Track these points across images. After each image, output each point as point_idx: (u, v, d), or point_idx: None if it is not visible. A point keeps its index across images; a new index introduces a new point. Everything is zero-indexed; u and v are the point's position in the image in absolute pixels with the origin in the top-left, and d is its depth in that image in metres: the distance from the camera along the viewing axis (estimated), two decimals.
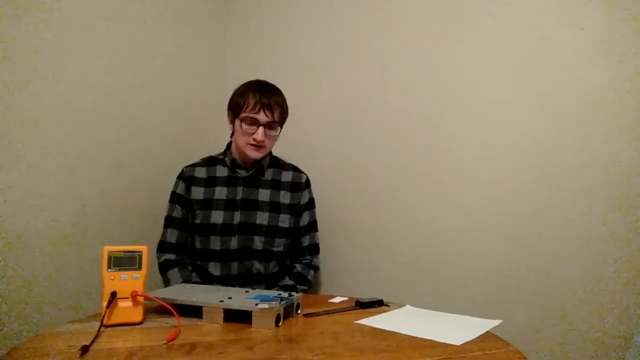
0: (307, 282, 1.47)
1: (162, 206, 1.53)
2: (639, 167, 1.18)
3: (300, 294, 1.09)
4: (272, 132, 1.41)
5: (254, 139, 1.37)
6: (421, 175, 1.50)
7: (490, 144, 1.39)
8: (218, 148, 1.60)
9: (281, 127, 1.46)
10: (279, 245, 1.44)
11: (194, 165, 1.49)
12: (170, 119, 1.72)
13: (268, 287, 1.42)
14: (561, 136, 1.28)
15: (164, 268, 1.42)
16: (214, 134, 1.79)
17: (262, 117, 1.37)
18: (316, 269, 1.53)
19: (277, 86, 1.49)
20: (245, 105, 1.38)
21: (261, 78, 1.52)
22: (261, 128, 1.37)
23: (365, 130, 1.62)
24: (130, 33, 1.55)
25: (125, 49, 1.53)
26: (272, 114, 1.38)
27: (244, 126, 1.38)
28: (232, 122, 1.45)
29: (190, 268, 1.43)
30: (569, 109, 1.27)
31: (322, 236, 1.61)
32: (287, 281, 1.43)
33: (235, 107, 1.42)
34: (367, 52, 1.63)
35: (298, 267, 1.48)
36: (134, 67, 1.56)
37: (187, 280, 1.38)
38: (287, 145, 1.72)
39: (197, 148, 1.76)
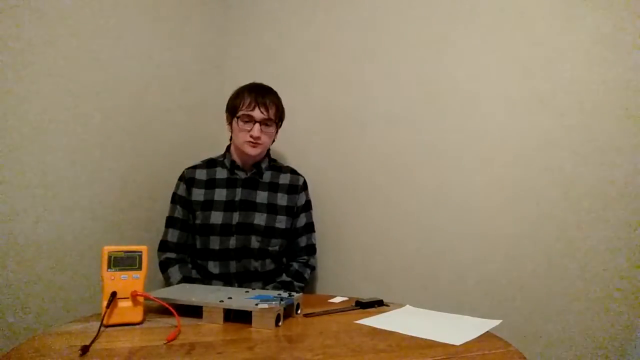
0: (304, 280, 1.49)
1: (162, 206, 1.53)
2: None
3: (301, 294, 1.09)
4: (268, 129, 1.47)
5: (251, 136, 1.43)
6: (421, 176, 1.50)
7: (489, 144, 1.38)
8: (218, 148, 1.60)
9: (277, 126, 1.52)
10: (275, 245, 1.47)
11: (194, 167, 1.53)
12: (171, 120, 1.72)
13: (265, 284, 1.45)
14: (562, 137, 1.28)
15: (164, 266, 1.44)
16: (214, 135, 1.79)
17: (258, 114, 1.43)
18: (313, 268, 1.55)
19: (277, 86, 1.54)
20: (242, 104, 1.45)
21: (261, 79, 1.56)
22: (257, 125, 1.43)
23: (364, 131, 1.62)
24: (130, 34, 1.55)
25: (125, 50, 1.53)
26: (267, 111, 1.44)
27: (241, 124, 1.44)
28: (230, 123, 1.50)
29: (190, 266, 1.45)
30: (571, 108, 1.27)
31: (322, 236, 1.62)
32: (284, 278, 1.46)
33: (232, 108, 1.48)
34: (366, 53, 1.63)
35: (295, 265, 1.50)
36: (133, 69, 1.56)
37: (187, 276, 1.40)
38: (286, 146, 1.73)
39: (197, 148, 1.77)
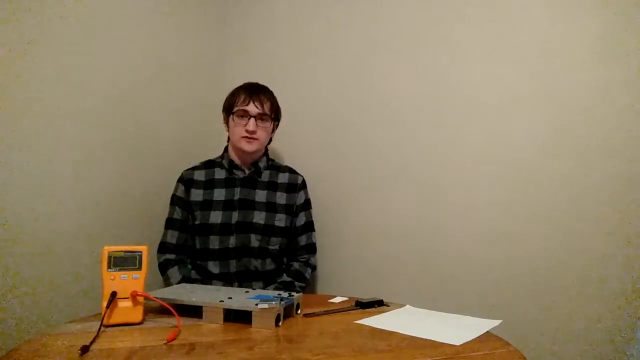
0: (305, 279, 1.49)
1: (162, 206, 1.53)
2: None
3: (301, 294, 1.09)
4: (264, 125, 1.48)
5: (246, 130, 1.44)
6: (421, 176, 1.50)
7: (489, 145, 1.39)
8: (217, 148, 1.60)
9: (274, 122, 1.53)
10: (275, 243, 1.46)
11: (193, 168, 1.53)
12: (170, 120, 1.72)
13: (266, 284, 1.44)
14: (561, 137, 1.28)
15: (163, 267, 1.44)
16: (213, 135, 1.79)
17: (252, 108, 1.45)
18: (313, 267, 1.55)
19: (276, 86, 1.56)
20: (237, 101, 1.47)
21: (260, 79, 1.57)
22: (252, 119, 1.45)
23: (364, 130, 1.62)
24: (130, 34, 1.55)
25: (125, 50, 1.53)
26: (262, 106, 1.46)
27: (236, 119, 1.46)
28: (226, 122, 1.52)
29: (189, 267, 1.45)
30: (570, 109, 1.27)
31: (322, 236, 1.62)
32: (285, 278, 1.46)
33: (227, 107, 1.50)
34: (364, 54, 1.63)
35: (295, 265, 1.50)
36: (133, 69, 1.56)
37: (186, 277, 1.40)
38: (285, 146, 1.73)
39: (197, 148, 1.77)
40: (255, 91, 1.48)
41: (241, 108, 1.45)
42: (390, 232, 1.54)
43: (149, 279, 0.96)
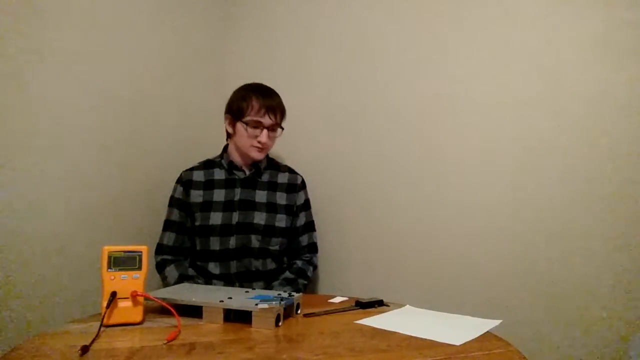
0: (307, 277, 1.50)
1: (162, 206, 1.53)
2: None
3: (300, 294, 1.09)
4: (274, 134, 1.48)
5: (259, 142, 1.43)
6: (421, 175, 1.50)
7: (489, 144, 1.39)
8: (218, 148, 1.60)
9: (282, 129, 1.53)
10: (275, 244, 1.47)
11: (192, 169, 1.52)
12: (170, 120, 1.71)
13: (266, 284, 1.45)
14: (561, 137, 1.28)
15: (160, 267, 1.45)
16: (214, 135, 1.79)
17: (267, 120, 1.43)
18: (315, 266, 1.56)
19: (276, 86, 1.54)
20: (250, 109, 1.42)
21: (260, 79, 1.55)
22: (265, 131, 1.43)
23: (363, 130, 1.62)
24: (130, 34, 1.55)
25: (125, 50, 1.53)
26: (276, 117, 1.45)
27: (249, 130, 1.43)
28: (232, 124, 1.48)
29: (186, 265, 1.46)
30: (570, 109, 1.27)
31: (322, 236, 1.62)
32: (288, 275, 1.46)
33: (237, 111, 1.45)
34: (365, 53, 1.63)
35: (298, 262, 1.51)
36: (133, 68, 1.56)
37: (183, 274, 1.40)
38: (285, 146, 1.72)
39: (197, 148, 1.76)
40: (268, 99, 1.44)
41: (255, 119, 1.42)
42: (390, 232, 1.54)
43: (148, 279, 0.96)
